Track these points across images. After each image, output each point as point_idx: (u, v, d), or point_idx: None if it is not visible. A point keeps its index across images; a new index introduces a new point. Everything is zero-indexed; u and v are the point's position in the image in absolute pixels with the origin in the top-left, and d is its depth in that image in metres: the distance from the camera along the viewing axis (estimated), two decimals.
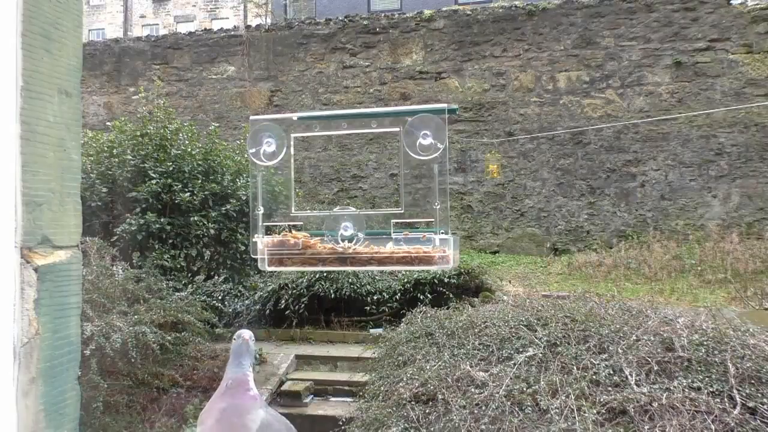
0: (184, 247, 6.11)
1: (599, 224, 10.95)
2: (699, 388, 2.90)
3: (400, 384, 3.49)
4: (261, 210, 1.02)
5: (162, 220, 5.79)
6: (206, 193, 6.08)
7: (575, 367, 3.19)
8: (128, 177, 5.93)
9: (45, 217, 0.85)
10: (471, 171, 11.51)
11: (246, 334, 1.36)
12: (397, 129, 1.00)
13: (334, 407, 5.05)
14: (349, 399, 4.86)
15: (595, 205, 10.98)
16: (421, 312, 4.75)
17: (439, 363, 3.52)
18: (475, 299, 6.59)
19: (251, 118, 1.03)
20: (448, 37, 11.71)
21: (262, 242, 1.00)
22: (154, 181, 5.83)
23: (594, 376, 3.12)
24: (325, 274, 6.89)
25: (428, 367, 3.51)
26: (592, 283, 8.33)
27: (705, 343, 3.19)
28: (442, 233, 0.94)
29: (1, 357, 0.77)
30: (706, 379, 2.96)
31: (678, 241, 9.81)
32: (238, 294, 7.24)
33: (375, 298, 7.05)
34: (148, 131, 6.28)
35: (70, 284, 0.89)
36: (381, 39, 12.00)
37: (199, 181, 6.10)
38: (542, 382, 3.11)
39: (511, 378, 3.20)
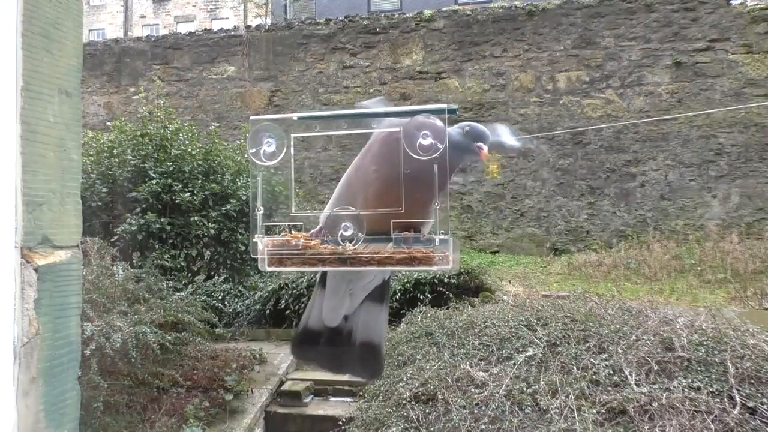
0: (184, 247, 6.11)
1: (599, 224, 10.95)
2: (699, 388, 2.90)
3: (400, 384, 3.50)
4: (261, 210, 1.01)
5: (162, 220, 5.79)
6: (206, 193, 6.08)
7: (575, 367, 3.19)
8: (128, 177, 5.93)
9: (45, 217, 0.85)
10: (471, 171, 11.49)
11: None
12: (397, 129, 1.00)
13: (334, 407, 5.04)
14: (349, 399, 4.85)
15: (595, 205, 10.98)
16: (421, 312, 4.76)
17: (439, 363, 3.53)
18: (475, 299, 6.58)
19: (251, 118, 1.03)
20: (448, 37, 11.70)
21: (262, 242, 1.00)
22: (154, 181, 5.84)
23: (594, 376, 3.12)
24: None
25: (428, 367, 3.51)
26: (592, 283, 8.32)
27: (705, 343, 3.19)
28: (442, 233, 0.94)
29: (1, 357, 0.77)
30: (706, 379, 2.96)
31: (678, 241, 9.80)
32: (238, 294, 7.22)
33: None
34: (148, 131, 6.28)
35: (71, 284, 0.89)
36: (381, 39, 11.99)
37: (199, 181, 6.10)
38: (542, 382, 3.11)
39: (511, 378, 3.20)
